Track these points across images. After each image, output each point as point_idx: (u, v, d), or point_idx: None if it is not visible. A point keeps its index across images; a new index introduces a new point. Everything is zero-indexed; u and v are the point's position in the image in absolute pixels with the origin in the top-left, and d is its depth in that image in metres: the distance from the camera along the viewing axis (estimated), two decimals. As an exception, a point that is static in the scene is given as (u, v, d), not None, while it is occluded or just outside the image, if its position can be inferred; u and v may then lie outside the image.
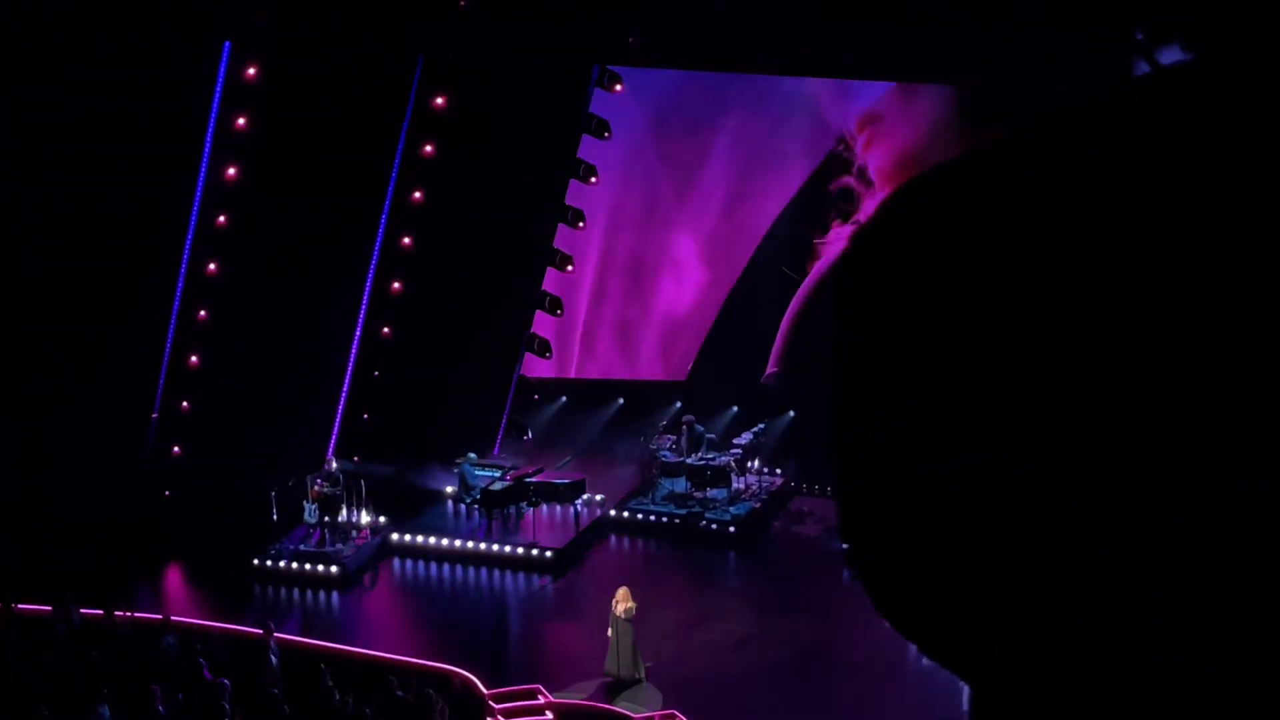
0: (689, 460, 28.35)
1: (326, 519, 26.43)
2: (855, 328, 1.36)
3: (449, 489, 28.38)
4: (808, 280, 30.52)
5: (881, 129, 29.16)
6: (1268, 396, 1.18)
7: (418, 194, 27.94)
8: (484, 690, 21.19)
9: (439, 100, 27.33)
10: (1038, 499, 1.26)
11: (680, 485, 28.27)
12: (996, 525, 1.28)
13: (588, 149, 28.93)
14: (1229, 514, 1.19)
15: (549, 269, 29.68)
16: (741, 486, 28.55)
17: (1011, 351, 1.27)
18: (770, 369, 31.09)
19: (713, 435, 29.10)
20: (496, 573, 26.35)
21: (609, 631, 21.70)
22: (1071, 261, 1.25)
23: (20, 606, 22.85)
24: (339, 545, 26.29)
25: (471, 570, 26.48)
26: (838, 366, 1.38)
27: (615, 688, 21.56)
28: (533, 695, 21.38)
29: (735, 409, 30.51)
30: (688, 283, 31.38)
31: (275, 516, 26.41)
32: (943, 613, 1.32)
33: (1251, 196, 1.22)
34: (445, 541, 26.83)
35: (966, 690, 1.42)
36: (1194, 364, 1.21)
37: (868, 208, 29.91)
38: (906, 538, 1.33)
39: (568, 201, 29.24)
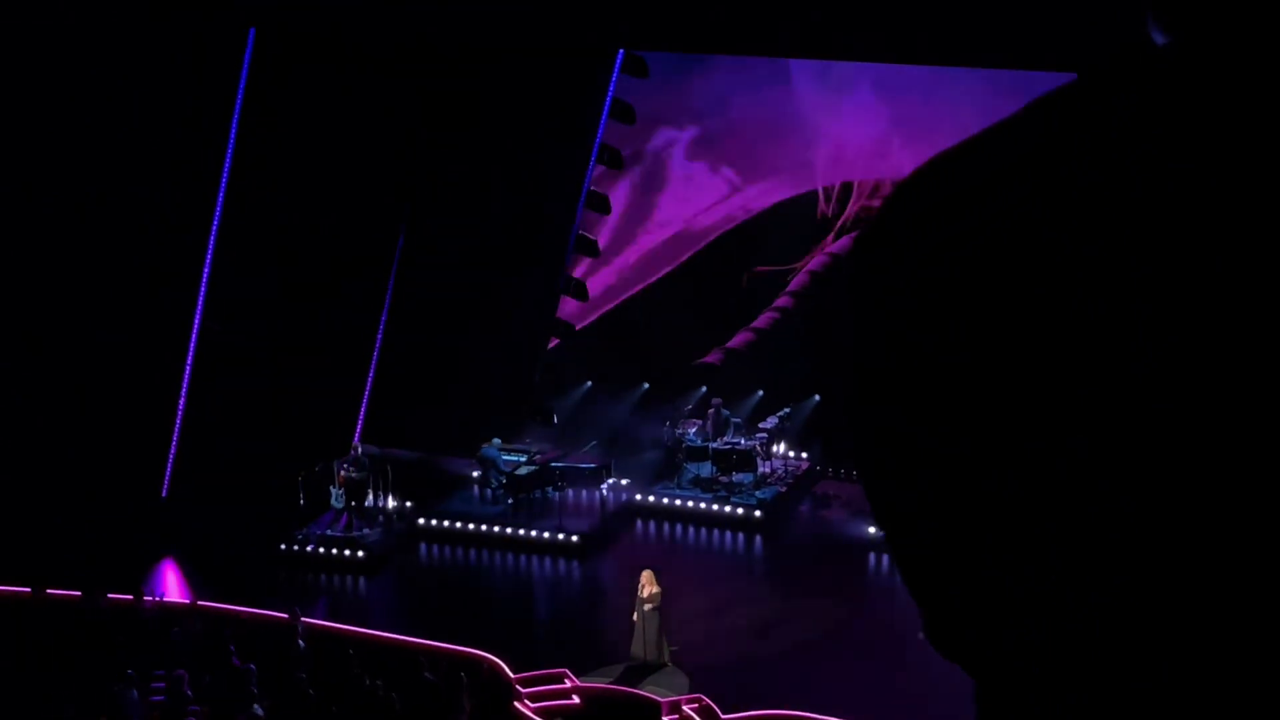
0: (715, 444, 28.33)
1: (353, 504, 26.51)
2: (867, 319, 1.35)
3: (475, 474, 28.43)
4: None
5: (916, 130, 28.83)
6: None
7: (444, 181, 27.98)
8: (511, 674, 21.24)
9: (463, 84, 27.34)
10: (1052, 495, 1.24)
11: (706, 469, 28.26)
12: (1011, 518, 1.26)
13: (611, 135, 28.97)
14: (1232, 510, 1.18)
15: (578, 256, 29.76)
16: (767, 470, 28.54)
17: (1022, 344, 1.26)
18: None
19: (738, 419, 29.08)
20: (522, 557, 26.41)
21: (634, 616, 21.73)
22: (1072, 245, 1.24)
23: (50, 592, 23.00)
24: (365, 530, 26.38)
25: (497, 554, 26.54)
26: (854, 370, 1.37)
27: (641, 671, 21.59)
28: (559, 679, 21.42)
29: (761, 393, 30.48)
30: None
31: (302, 501, 26.50)
32: (960, 602, 1.31)
33: (1243, 186, 1.21)
34: (471, 526, 26.90)
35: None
36: (1201, 351, 1.19)
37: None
38: (931, 526, 1.32)
39: (594, 188, 29.27)
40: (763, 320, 30.82)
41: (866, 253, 1.34)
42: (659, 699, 20.64)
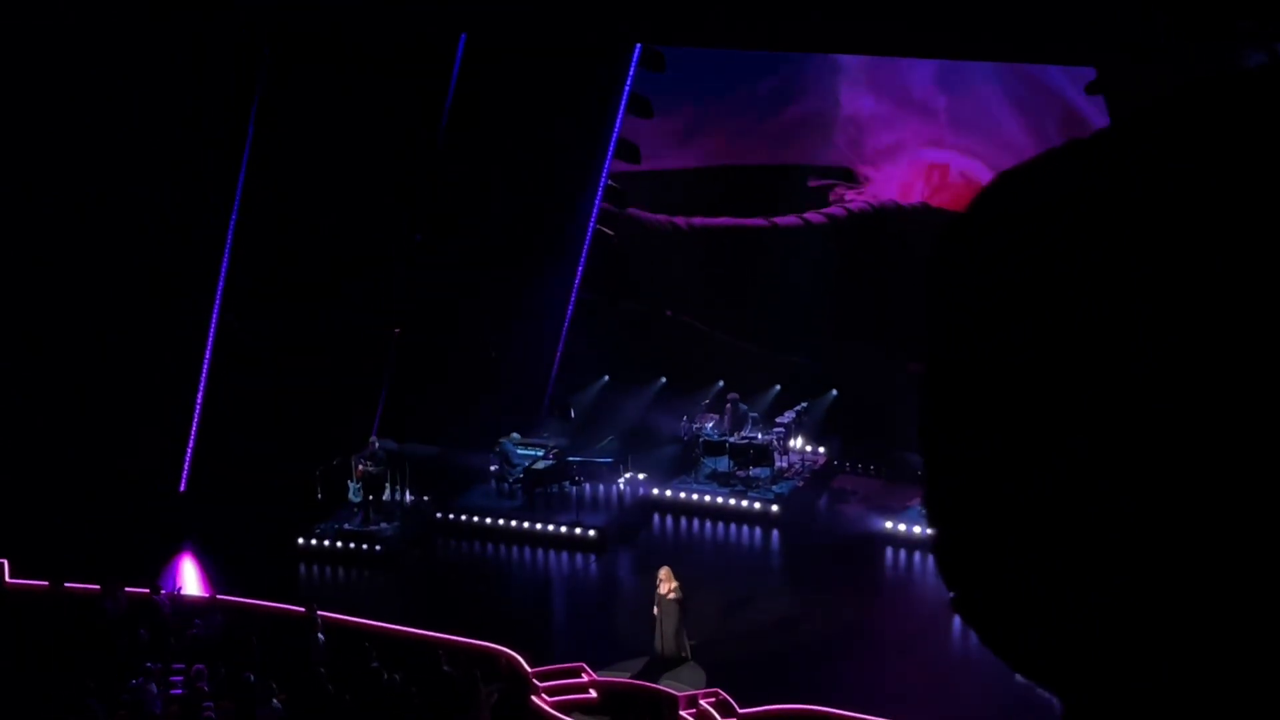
0: (732, 439, 28.33)
1: (371, 498, 26.57)
2: (936, 311, 1.37)
3: (492, 468, 28.46)
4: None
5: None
6: None
7: (462, 177, 28.02)
8: (528, 669, 21.27)
9: (480, 79, 27.38)
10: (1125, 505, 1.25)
11: (723, 464, 28.26)
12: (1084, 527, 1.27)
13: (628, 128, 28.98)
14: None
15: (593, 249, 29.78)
16: (784, 465, 28.53)
17: (1041, 348, 1.27)
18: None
19: (755, 414, 29.07)
20: (540, 551, 26.44)
21: (655, 610, 21.74)
22: (1145, 262, 1.25)
23: (68, 586, 23.09)
24: (383, 524, 26.43)
25: (515, 549, 26.58)
26: (927, 374, 1.39)
27: (659, 666, 21.61)
28: (577, 674, 21.45)
29: (778, 387, 30.44)
30: None
31: (320, 496, 26.56)
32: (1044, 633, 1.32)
33: (1243, 185, 1.22)
34: (489, 520, 26.93)
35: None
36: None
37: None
38: (1000, 548, 1.33)
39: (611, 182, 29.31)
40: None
41: (944, 247, 1.37)
42: (676, 693, 20.66)
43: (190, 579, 24.86)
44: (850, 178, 29.54)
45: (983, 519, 1.31)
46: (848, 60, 28.74)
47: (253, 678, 19.77)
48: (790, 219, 30.04)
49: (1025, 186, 1.33)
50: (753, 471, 28.05)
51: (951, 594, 1.37)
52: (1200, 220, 1.21)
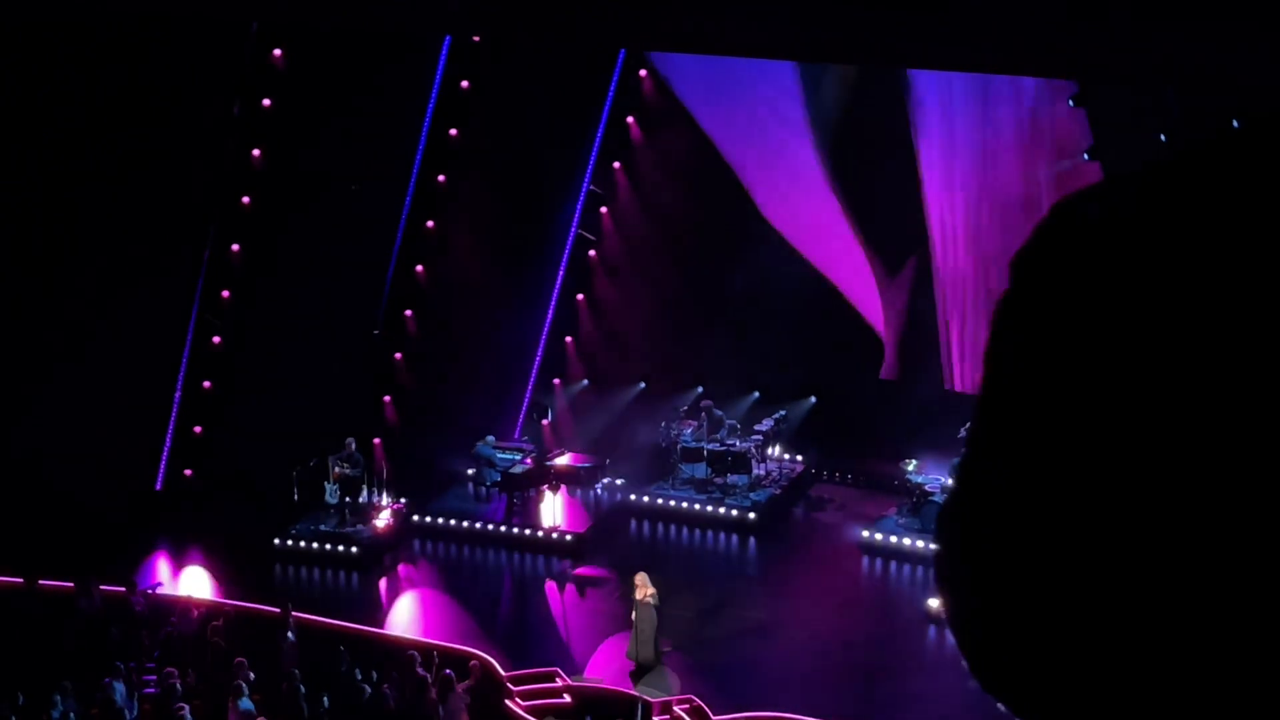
0: (709, 445, 28.32)
1: (347, 500, 26.51)
2: (1015, 356, 1.37)
3: (469, 471, 28.43)
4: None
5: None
6: None
7: (441, 177, 27.98)
8: (502, 672, 21.25)
9: (464, 84, 27.37)
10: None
11: (700, 471, 28.25)
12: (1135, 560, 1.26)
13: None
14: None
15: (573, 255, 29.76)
16: (762, 472, 28.54)
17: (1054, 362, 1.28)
18: None
19: (733, 421, 29.06)
20: (516, 555, 26.41)
21: (631, 616, 21.73)
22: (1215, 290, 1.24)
23: (42, 583, 22.99)
24: (359, 526, 26.38)
25: (491, 552, 26.55)
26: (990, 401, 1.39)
27: (634, 672, 21.61)
28: (551, 678, 21.43)
29: (756, 395, 30.44)
30: None
31: (296, 497, 26.50)
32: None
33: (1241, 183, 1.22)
34: (465, 523, 26.89)
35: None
36: None
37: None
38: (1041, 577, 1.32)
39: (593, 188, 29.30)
40: None
41: (1024, 274, 1.36)
42: (651, 699, 20.65)
43: (166, 578, 24.78)
44: None
45: (985, 529, 1.30)
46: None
47: (225, 678, 19.71)
48: None
49: (1063, 219, 1.33)
50: (730, 478, 28.04)
51: (944, 613, 1.36)
52: (1200, 219, 1.21)
